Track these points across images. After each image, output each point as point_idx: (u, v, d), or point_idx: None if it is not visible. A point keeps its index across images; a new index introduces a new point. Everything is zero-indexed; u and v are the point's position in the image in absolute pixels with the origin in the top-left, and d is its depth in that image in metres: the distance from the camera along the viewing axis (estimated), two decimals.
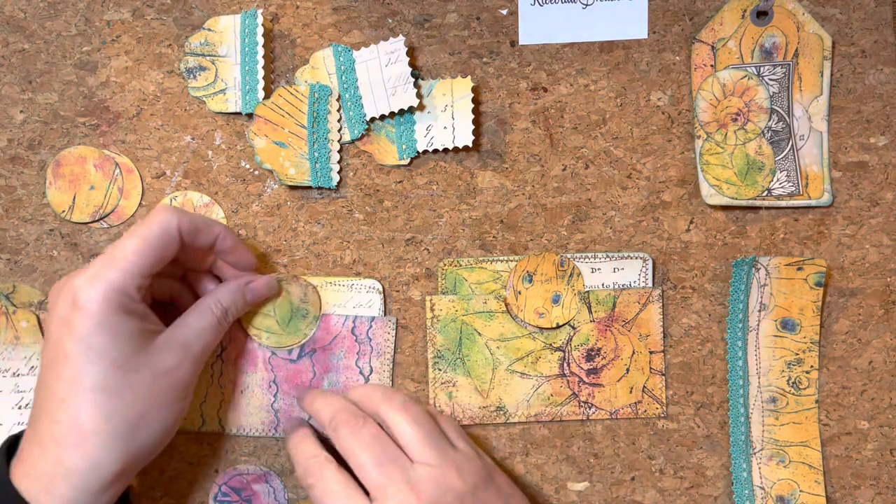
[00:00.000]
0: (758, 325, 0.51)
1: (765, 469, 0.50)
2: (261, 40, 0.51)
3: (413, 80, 0.50)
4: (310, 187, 0.52)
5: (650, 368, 0.51)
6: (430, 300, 0.51)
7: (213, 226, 0.46)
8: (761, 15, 0.52)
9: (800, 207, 0.51)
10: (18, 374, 0.50)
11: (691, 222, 0.52)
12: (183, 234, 0.44)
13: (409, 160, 0.52)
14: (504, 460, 0.51)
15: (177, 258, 0.46)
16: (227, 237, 0.47)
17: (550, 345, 0.51)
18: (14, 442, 0.44)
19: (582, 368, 0.51)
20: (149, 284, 0.44)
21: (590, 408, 0.51)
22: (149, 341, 0.43)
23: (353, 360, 0.51)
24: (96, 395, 0.41)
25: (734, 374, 0.51)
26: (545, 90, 0.52)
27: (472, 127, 0.51)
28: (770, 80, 0.51)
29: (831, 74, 0.51)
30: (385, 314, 0.52)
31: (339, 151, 0.52)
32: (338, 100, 0.51)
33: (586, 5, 0.52)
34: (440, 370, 0.51)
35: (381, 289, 0.52)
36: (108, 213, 0.52)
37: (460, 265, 0.52)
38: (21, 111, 0.52)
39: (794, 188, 0.51)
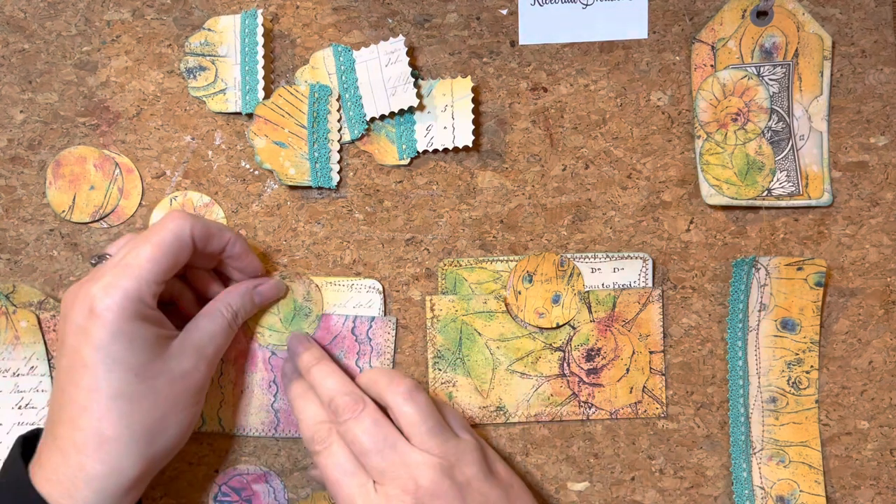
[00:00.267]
0: (758, 325, 0.51)
1: (765, 469, 0.51)
2: (261, 40, 0.51)
3: (413, 80, 0.51)
4: (310, 187, 0.52)
5: (650, 368, 0.51)
6: (430, 300, 0.52)
7: (225, 231, 0.47)
8: (761, 15, 0.52)
9: (800, 207, 0.52)
10: (18, 374, 0.51)
11: (691, 222, 0.52)
12: (196, 240, 0.45)
13: (409, 160, 0.52)
14: (504, 460, 0.52)
15: None
16: (237, 243, 0.47)
17: (550, 345, 0.52)
18: (25, 442, 0.44)
19: (582, 368, 0.51)
20: (162, 290, 0.44)
21: (590, 408, 0.51)
22: (164, 347, 0.44)
23: (354, 359, 0.52)
24: (116, 402, 0.42)
25: (734, 374, 0.51)
26: (545, 90, 0.52)
27: (472, 127, 0.51)
28: (770, 80, 0.51)
29: (831, 74, 0.52)
30: (385, 314, 0.52)
31: (339, 151, 0.52)
32: (338, 100, 0.52)
33: (586, 5, 0.52)
34: (440, 370, 0.52)
35: (381, 289, 0.52)
36: (108, 213, 0.52)
37: (460, 265, 0.52)
38: (21, 111, 0.52)
39: (794, 188, 0.51)
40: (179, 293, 0.49)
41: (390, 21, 0.52)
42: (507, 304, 0.52)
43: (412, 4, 0.52)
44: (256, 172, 0.52)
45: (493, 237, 0.52)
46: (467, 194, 0.52)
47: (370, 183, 0.52)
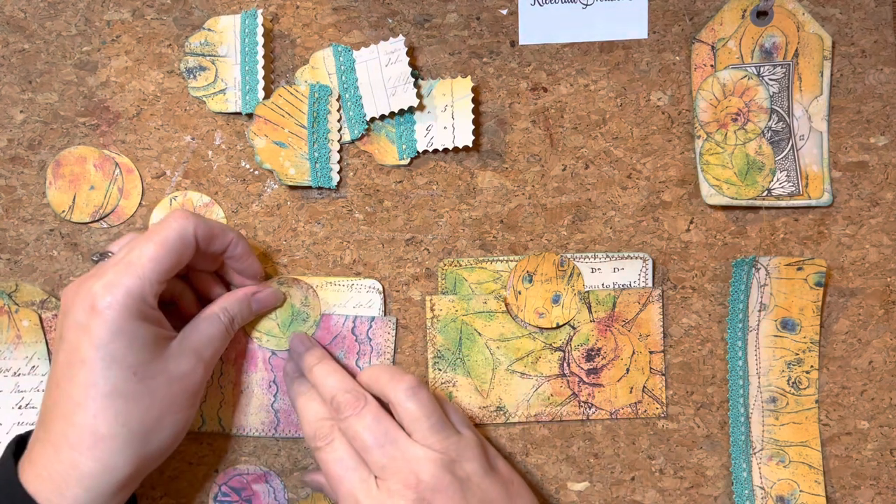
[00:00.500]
0: (758, 325, 0.51)
1: (765, 469, 0.51)
2: (261, 40, 0.51)
3: (413, 80, 0.51)
4: (310, 187, 0.52)
5: (650, 368, 0.52)
6: (430, 300, 0.52)
7: (227, 232, 0.47)
8: (761, 15, 0.52)
9: (800, 207, 0.52)
10: (19, 374, 0.51)
11: (691, 222, 0.52)
12: (199, 239, 0.45)
13: (409, 160, 0.52)
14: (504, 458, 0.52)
15: None
16: (239, 244, 0.48)
17: (550, 345, 0.52)
18: (20, 442, 0.44)
19: (582, 368, 0.52)
20: (163, 289, 0.44)
21: (590, 408, 0.52)
22: (163, 347, 0.44)
23: (354, 359, 0.52)
24: (113, 400, 0.42)
25: (734, 374, 0.51)
26: (545, 90, 0.53)
27: (472, 127, 0.51)
28: (770, 80, 0.52)
29: (831, 74, 0.52)
30: (385, 314, 0.52)
31: (339, 151, 0.52)
32: (338, 100, 0.52)
33: (586, 5, 0.53)
34: (440, 370, 0.52)
35: (381, 289, 0.52)
36: (108, 213, 0.52)
37: (460, 265, 0.52)
38: (21, 111, 0.52)
39: (794, 188, 0.52)
40: (180, 293, 0.49)
41: (390, 21, 0.53)
42: (507, 304, 0.52)
43: (412, 4, 0.53)
44: (256, 172, 0.53)
45: (493, 237, 0.52)
46: (467, 194, 0.52)
47: (370, 183, 0.53)
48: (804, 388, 0.51)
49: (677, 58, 0.53)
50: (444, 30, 0.53)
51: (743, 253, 0.52)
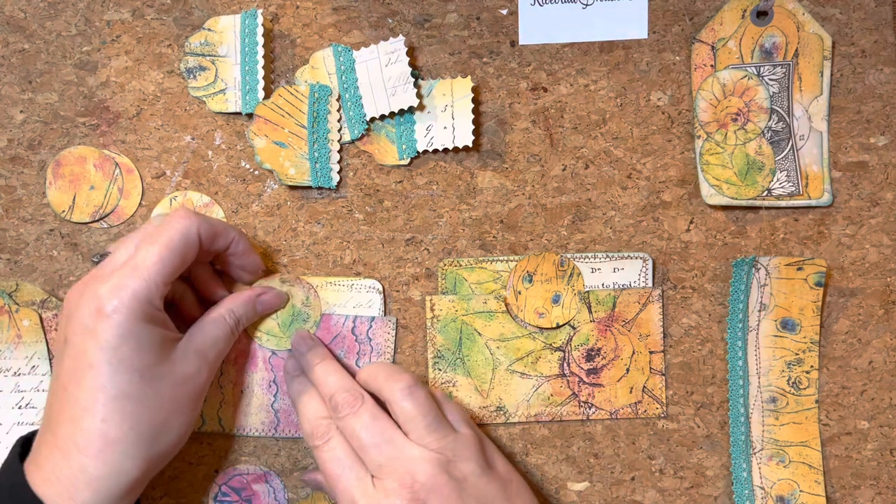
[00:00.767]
0: (758, 325, 0.52)
1: (765, 469, 0.51)
2: (261, 40, 0.52)
3: (413, 80, 0.51)
4: (310, 187, 0.53)
5: (650, 368, 0.52)
6: (430, 300, 0.52)
7: (229, 230, 0.47)
8: (761, 15, 0.52)
9: (800, 207, 0.52)
10: (20, 374, 0.51)
11: (691, 222, 0.53)
12: (202, 238, 0.45)
13: (409, 160, 0.53)
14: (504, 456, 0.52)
15: None
16: (241, 242, 0.48)
17: (550, 345, 0.52)
18: (25, 444, 0.45)
19: (582, 368, 0.52)
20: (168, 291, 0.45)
21: (590, 408, 0.52)
22: (169, 350, 0.44)
23: (354, 359, 0.52)
24: (121, 403, 0.42)
25: (734, 374, 0.52)
26: (545, 90, 0.53)
27: (472, 127, 0.52)
28: (770, 80, 0.52)
29: (831, 74, 0.52)
30: (385, 314, 0.53)
31: (339, 151, 0.53)
32: (338, 100, 0.52)
33: (586, 5, 0.53)
34: (440, 370, 0.52)
35: (381, 289, 0.53)
36: (108, 213, 0.53)
37: (460, 265, 0.53)
38: (21, 111, 0.53)
39: (794, 188, 0.52)
40: (181, 294, 0.49)
41: (390, 21, 0.53)
42: (507, 304, 0.52)
43: (412, 4, 0.53)
44: (256, 172, 0.53)
45: (493, 237, 0.53)
46: (467, 194, 0.53)
47: (370, 183, 0.53)
48: (804, 388, 0.52)
49: (677, 58, 0.53)
50: (444, 30, 0.53)
51: (743, 253, 0.53)
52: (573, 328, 0.52)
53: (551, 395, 0.52)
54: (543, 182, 0.53)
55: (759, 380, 0.52)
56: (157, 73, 0.53)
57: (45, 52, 0.53)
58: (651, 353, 0.52)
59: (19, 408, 0.52)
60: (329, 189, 0.53)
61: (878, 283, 0.52)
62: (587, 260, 0.52)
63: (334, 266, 0.53)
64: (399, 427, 0.45)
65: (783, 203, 0.52)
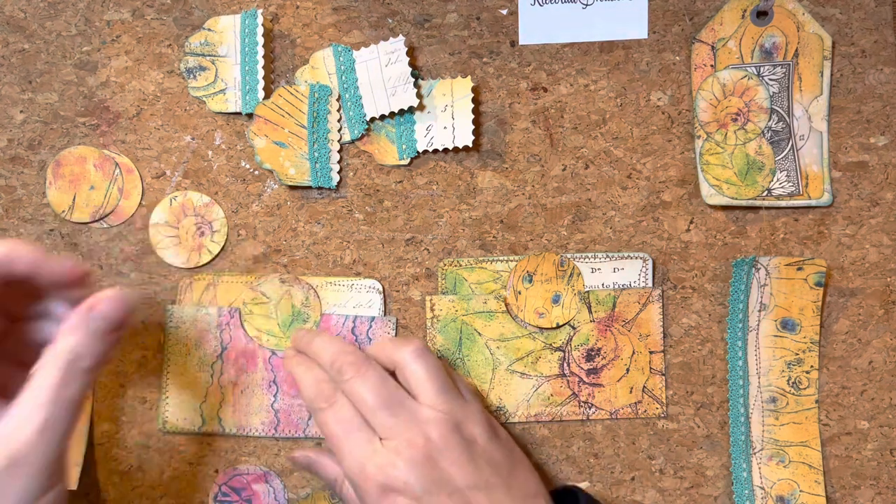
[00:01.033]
0: (758, 325, 0.52)
1: (765, 469, 0.52)
2: (261, 40, 0.52)
3: (413, 80, 0.52)
4: (310, 187, 0.53)
5: (650, 368, 0.53)
6: (430, 300, 0.53)
7: (17, 248, 0.39)
8: (761, 15, 0.53)
9: (800, 207, 0.53)
10: None
11: (691, 222, 0.53)
12: None
13: (409, 160, 0.53)
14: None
15: None
16: (21, 258, 0.38)
17: (550, 345, 0.53)
18: None
19: (582, 368, 0.53)
20: None
21: (590, 408, 0.53)
22: None
23: None
24: None
25: (734, 374, 0.52)
26: (545, 90, 0.54)
27: (472, 127, 0.52)
28: (770, 80, 0.53)
29: (831, 74, 0.53)
30: (385, 314, 0.53)
31: (339, 151, 0.53)
32: (338, 100, 0.53)
33: (586, 5, 0.54)
34: None
35: (381, 289, 0.53)
36: (108, 213, 0.53)
37: (460, 265, 0.53)
38: (21, 111, 0.54)
39: (794, 188, 0.53)
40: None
41: (390, 21, 0.54)
42: (507, 304, 0.53)
43: (412, 4, 0.54)
44: (256, 172, 0.54)
45: (493, 237, 0.54)
46: (467, 194, 0.54)
47: (370, 183, 0.54)
48: (804, 388, 0.52)
49: (677, 58, 0.54)
50: (444, 30, 0.54)
51: (743, 253, 0.53)
52: (573, 328, 0.53)
53: (551, 395, 0.53)
54: (543, 182, 0.53)
55: (759, 380, 0.52)
56: (157, 73, 0.54)
57: (45, 52, 0.54)
58: (651, 353, 0.53)
59: None
60: (329, 189, 0.53)
61: (878, 283, 0.53)
62: (587, 260, 0.53)
63: (334, 266, 0.54)
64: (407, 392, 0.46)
65: (783, 203, 0.53)
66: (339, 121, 0.53)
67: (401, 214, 0.54)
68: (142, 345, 0.53)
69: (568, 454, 0.53)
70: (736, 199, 0.53)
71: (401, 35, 0.53)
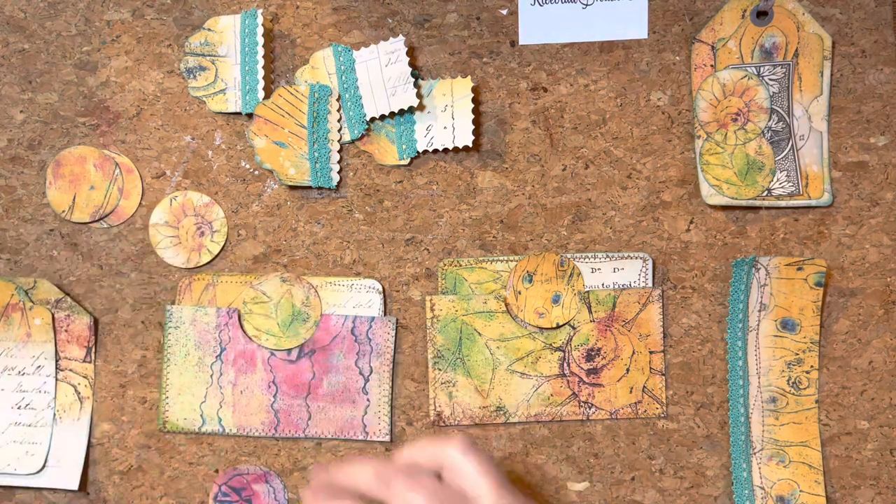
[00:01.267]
0: (758, 325, 0.53)
1: (765, 469, 0.53)
2: (261, 40, 0.53)
3: (413, 80, 0.53)
4: (310, 187, 0.54)
5: (650, 368, 0.53)
6: (430, 300, 0.53)
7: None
8: (761, 15, 0.54)
9: (800, 207, 0.54)
10: (24, 373, 0.53)
11: (691, 222, 0.54)
12: None
13: (409, 160, 0.54)
14: (504, 460, 0.53)
15: None
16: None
17: (550, 345, 0.53)
18: None
19: (582, 368, 0.53)
20: None
21: (590, 408, 0.53)
22: None
23: (353, 360, 0.53)
24: None
25: (734, 374, 0.53)
26: (545, 90, 0.54)
27: (472, 127, 0.53)
28: (770, 80, 0.53)
29: (831, 74, 0.54)
30: (385, 314, 0.54)
31: (339, 151, 0.54)
32: (338, 100, 0.54)
33: (586, 5, 0.54)
34: (440, 370, 0.53)
35: (381, 289, 0.54)
36: (108, 213, 0.54)
37: (460, 265, 0.54)
38: (21, 111, 0.54)
39: (794, 188, 0.53)
40: None
41: (390, 21, 0.54)
42: (507, 304, 0.53)
43: (412, 4, 0.54)
44: (256, 172, 0.54)
45: (493, 237, 0.54)
46: (467, 194, 0.54)
47: (370, 183, 0.54)
48: (804, 388, 0.53)
49: (677, 58, 0.54)
50: (444, 30, 0.54)
51: (743, 253, 0.54)
52: (573, 328, 0.53)
53: (551, 395, 0.53)
54: (543, 182, 0.54)
55: (759, 380, 0.53)
56: (157, 73, 0.54)
57: (45, 52, 0.54)
58: (651, 353, 0.53)
59: (18, 408, 0.53)
60: (329, 189, 0.54)
61: (878, 283, 0.53)
62: (587, 260, 0.54)
63: (334, 266, 0.54)
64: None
65: (783, 203, 0.53)
66: (339, 121, 0.54)
67: (401, 214, 0.54)
68: (142, 345, 0.54)
69: (568, 454, 0.54)
70: (736, 199, 0.53)
71: (401, 35, 0.53)
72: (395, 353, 0.54)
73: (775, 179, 0.53)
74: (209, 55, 0.54)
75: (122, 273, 0.54)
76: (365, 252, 0.54)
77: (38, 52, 0.54)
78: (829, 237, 0.54)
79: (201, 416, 0.53)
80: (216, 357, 0.53)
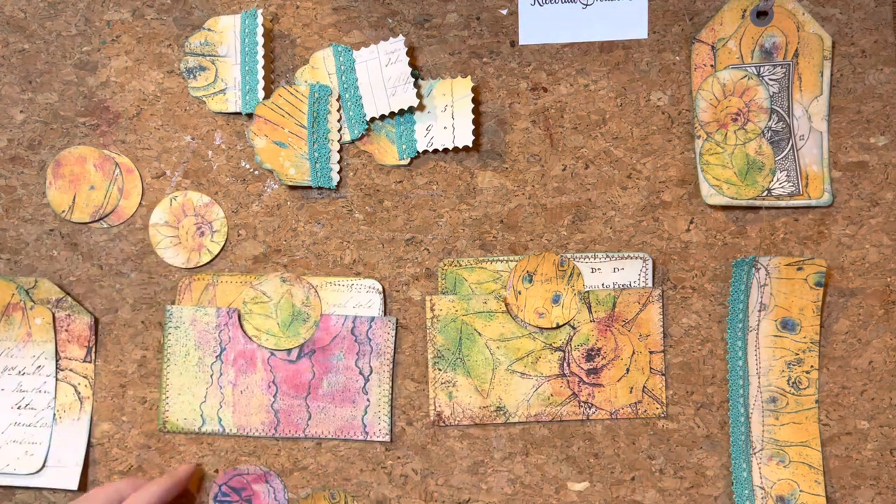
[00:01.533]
0: (758, 325, 0.53)
1: (765, 469, 0.53)
2: (261, 40, 0.54)
3: (413, 80, 0.53)
4: (310, 187, 0.55)
5: (650, 368, 0.54)
6: (430, 300, 0.54)
7: (155, 486, 0.46)
8: (761, 15, 0.54)
9: (800, 207, 0.54)
10: (24, 373, 0.53)
11: (691, 222, 0.54)
12: None
13: (409, 160, 0.54)
14: (504, 460, 0.54)
15: None
16: (173, 488, 0.47)
17: (550, 345, 0.54)
18: None
19: (582, 368, 0.54)
20: None
21: (590, 408, 0.54)
22: None
23: (353, 360, 0.54)
24: None
25: (734, 374, 0.54)
26: (545, 90, 0.55)
27: (472, 127, 0.54)
28: (770, 80, 0.54)
29: (831, 74, 0.54)
30: (385, 314, 0.55)
31: (339, 151, 0.54)
32: (338, 100, 0.54)
33: (586, 5, 0.55)
34: (440, 370, 0.54)
35: (381, 289, 0.54)
36: (108, 213, 0.54)
37: (460, 265, 0.54)
38: (21, 111, 0.55)
39: (794, 188, 0.54)
40: None
41: (390, 21, 0.55)
42: (507, 304, 0.54)
43: (412, 4, 0.55)
44: (256, 172, 0.55)
45: (493, 237, 0.55)
46: (467, 194, 0.55)
47: (370, 183, 0.55)
48: (804, 388, 0.53)
49: (677, 58, 0.55)
50: (444, 30, 0.55)
51: (743, 253, 0.54)
52: (573, 328, 0.54)
53: (551, 395, 0.54)
54: (543, 182, 0.55)
55: (759, 380, 0.53)
56: (157, 73, 0.55)
57: (45, 52, 0.55)
58: (651, 353, 0.54)
59: (18, 408, 0.53)
60: (329, 189, 0.55)
61: (878, 283, 0.54)
62: (587, 260, 0.54)
63: (334, 266, 0.55)
64: None
65: (783, 203, 0.54)
66: (339, 121, 0.54)
67: (401, 214, 0.55)
68: (142, 345, 0.54)
69: (568, 454, 0.54)
70: (736, 199, 0.54)
71: (401, 35, 0.54)
72: (395, 353, 0.54)
73: (775, 179, 0.54)
74: (209, 55, 0.54)
75: (122, 273, 0.55)
76: (365, 252, 0.55)
77: (38, 52, 0.55)
78: (829, 237, 0.54)
79: (201, 416, 0.54)
80: (216, 357, 0.54)
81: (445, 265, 0.54)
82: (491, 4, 0.55)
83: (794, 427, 0.53)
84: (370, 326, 0.54)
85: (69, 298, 0.54)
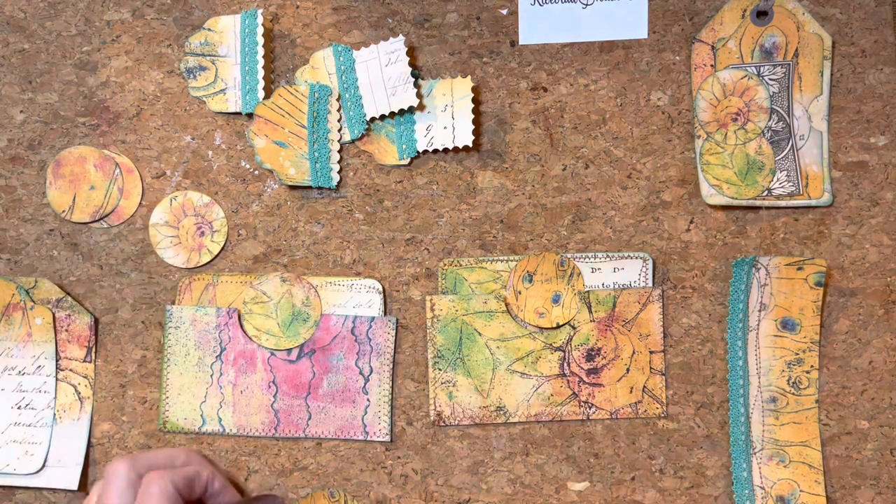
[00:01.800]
0: (758, 324, 0.54)
1: (765, 469, 0.53)
2: (261, 40, 0.54)
3: (413, 80, 0.54)
4: (310, 187, 0.55)
5: (650, 368, 0.54)
6: (430, 300, 0.54)
7: (202, 472, 0.46)
8: (761, 15, 0.55)
9: (800, 207, 0.54)
10: (24, 373, 0.54)
11: (691, 222, 0.55)
12: (181, 491, 0.45)
13: (409, 160, 0.55)
14: (504, 460, 0.54)
15: None
16: (216, 480, 0.47)
17: (550, 345, 0.54)
18: None
19: (582, 368, 0.54)
20: None
21: (590, 408, 0.54)
22: None
23: (353, 360, 0.54)
24: None
25: (734, 374, 0.54)
26: (545, 90, 0.55)
27: (472, 127, 0.54)
28: (770, 79, 0.54)
29: (831, 74, 0.55)
30: (385, 314, 0.55)
31: (339, 151, 0.55)
32: (338, 100, 0.55)
33: (586, 5, 0.55)
34: (440, 370, 0.54)
35: (381, 289, 0.55)
36: (109, 213, 0.55)
37: (460, 265, 0.55)
38: (21, 111, 0.55)
39: (794, 188, 0.54)
40: None
41: (390, 21, 0.55)
42: (507, 304, 0.54)
43: (412, 4, 0.55)
44: (256, 172, 0.55)
45: (493, 237, 0.55)
46: (467, 194, 0.55)
47: (370, 183, 0.55)
48: (804, 388, 0.54)
49: (677, 58, 0.55)
50: (444, 30, 0.55)
51: (743, 253, 0.55)
52: (573, 328, 0.54)
53: (551, 394, 0.54)
54: (543, 182, 0.55)
55: (759, 380, 0.54)
56: (157, 73, 0.55)
57: (45, 52, 0.55)
58: (651, 352, 0.54)
59: (18, 408, 0.54)
60: (329, 189, 0.55)
61: (878, 283, 0.54)
62: (587, 260, 0.55)
63: (334, 266, 0.55)
64: None
65: (783, 203, 0.54)
66: (339, 121, 0.55)
67: (401, 214, 0.55)
68: (142, 345, 0.55)
69: (568, 454, 0.55)
70: (736, 198, 0.54)
71: (401, 35, 0.54)
72: (395, 353, 0.55)
73: (775, 179, 0.54)
74: (209, 55, 0.55)
75: (122, 273, 0.55)
76: (365, 252, 0.55)
77: (38, 52, 0.55)
78: (829, 237, 0.55)
79: (201, 416, 0.54)
80: (216, 357, 0.54)
81: (445, 265, 0.55)
82: (491, 4, 0.55)
83: (795, 427, 0.54)
84: (370, 326, 0.55)
85: (69, 298, 0.54)
